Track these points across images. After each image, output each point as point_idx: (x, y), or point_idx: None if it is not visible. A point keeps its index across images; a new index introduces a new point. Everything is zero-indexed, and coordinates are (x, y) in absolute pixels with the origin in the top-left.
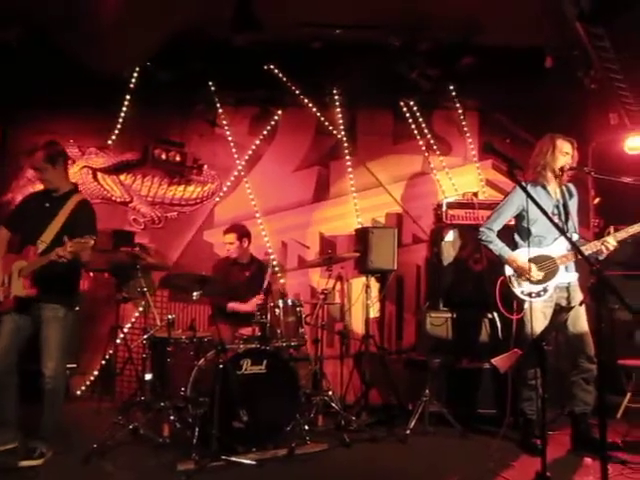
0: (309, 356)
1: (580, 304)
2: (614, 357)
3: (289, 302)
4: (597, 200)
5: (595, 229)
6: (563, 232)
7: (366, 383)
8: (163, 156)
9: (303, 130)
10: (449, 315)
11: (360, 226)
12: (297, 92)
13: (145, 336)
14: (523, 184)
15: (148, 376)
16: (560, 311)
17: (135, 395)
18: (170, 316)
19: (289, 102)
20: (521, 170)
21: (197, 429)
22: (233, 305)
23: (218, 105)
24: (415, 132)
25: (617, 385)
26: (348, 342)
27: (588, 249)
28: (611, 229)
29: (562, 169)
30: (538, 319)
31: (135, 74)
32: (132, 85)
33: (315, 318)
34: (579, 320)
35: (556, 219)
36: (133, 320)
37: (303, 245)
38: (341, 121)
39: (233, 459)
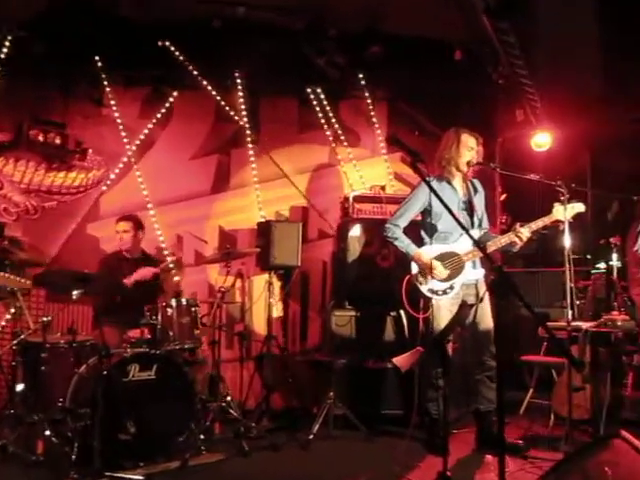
0: (205, 359)
1: (480, 300)
2: (518, 354)
3: (184, 301)
4: (504, 196)
5: (502, 226)
6: (464, 228)
7: (268, 387)
8: (40, 138)
9: (201, 115)
10: (354, 314)
11: (263, 220)
12: (195, 73)
13: (15, 341)
14: (427, 178)
15: (19, 386)
16: (462, 308)
17: (4, 408)
18: (45, 318)
19: (186, 83)
20: (424, 163)
21: (77, 444)
22: (130, 278)
23: (105, 83)
24: (322, 121)
25: (520, 381)
26: (249, 344)
27: (501, 241)
28: (517, 226)
29: (467, 164)
30: (444, 317)
31: (7, 43)
32: (3, 56)
33: (213, 318)
34: (484, 317)
35: (462, 215)
36: (3, 323)
37: (200, 239)
38: (243, 106)
39: (118, 475)
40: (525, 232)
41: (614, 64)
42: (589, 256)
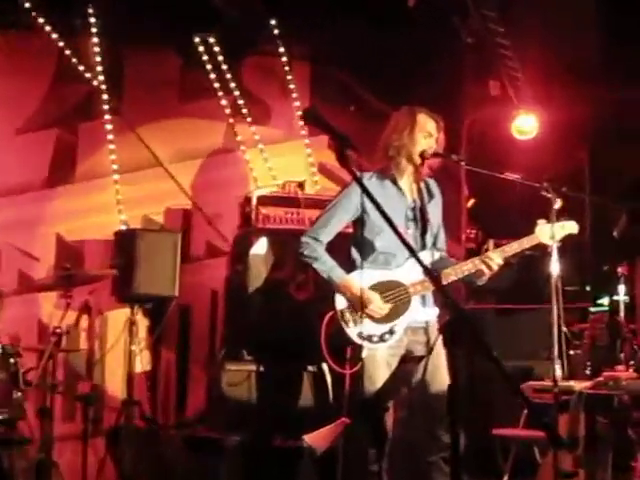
0: (28, 438)
1: (431, 351)
2: (488, 426)
3: None
4: (471, 202)
5: (469, 243)
6: (412, 250)
7: (125, 476)
8: None
9: (34, 68)
10: (255, 368)
11: (123, 227)
12: (26, 5)
13: None
14: (360, 175)
15: None
16: (407, 361)
17: None
18: None
19: (11, 20)
20: (358, 152)
21: None
22: None
23: None
24: (215, 86)
25: (492, 464)
26: (98, 412)
27: (463, 269)
28: (490, 244)
29: (422, 155)
30: (381, 374)
31: None
32: None
33: (43, 374)
34: (438, 374)
35: (410, 229)
36: None
37: (28, 255)
38: (99, 59)
39: None
40: (496, 258)
41: (616, 26)
42: (587, 288)
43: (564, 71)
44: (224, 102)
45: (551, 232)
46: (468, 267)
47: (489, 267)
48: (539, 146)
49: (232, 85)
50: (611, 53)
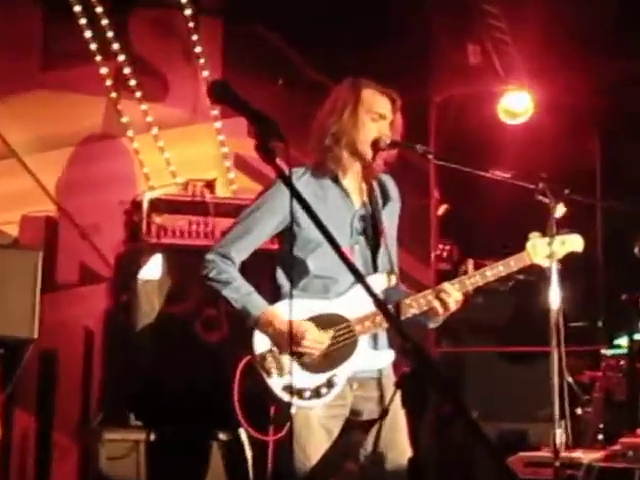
0: None
1: (385, 413)
2: None
3: None
4: (443, 209)
5: (441, 263)
6: (357, 272)
7: None
8: None
9: None
10: (145, 437)
11: None
12: None
13: None
14: (289, 171)
15: None
16: (355, 426)
17: None
18: None
19: None
20: (285, 142)
21: None
22: None
23: None
24: (92, 48)
25: None
26: None
27: (419, 302)
28: (469, 264)
29: (374, 145)
30: (318, 443)
31: None
32: None
33: None
34: (396, 444)
35: (358, 245)
36: None
37: None
38: None
39: None
40: (454, 292)
41: None
42: (599, 325)
43: (567, 37)
44: (104, 70)
45: (549, 249)
46: (417, 302)
47: (444, 305)
48: (534, 133)
49: (115, 47)
50: (628, 19)
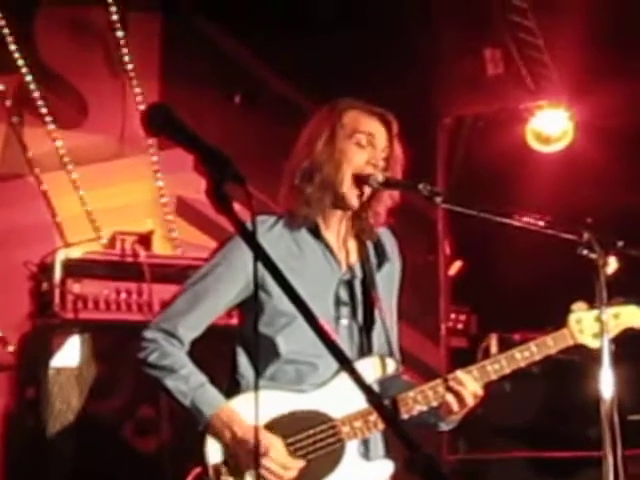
0: None
1: None
2: None
3: None
4: (457, 267)
5: (454, 338)
6: (343, 356)
7: None
8: None
9: None
10: None
11: None
12: None
13: None
14: (253, 223)
15: None
16: None
17: None
18: None
19: None
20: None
21: None
22: None
23: None
24: None
25: None
26: None
27: (418, 401)
28: (492, 340)
29: (358, 181)
30: None
31: None
32: None
33: None
34: None
35: (344, 319)
36: None
37: None
38: None
39: None
40: (470, 384)
41: None
42: None
43: (616, 39)
44: (1, 87)
45: (598, 325)
46: (423, 396)
47: (459, 400)
48: (574, 164)
49: (16, 56)
50: None
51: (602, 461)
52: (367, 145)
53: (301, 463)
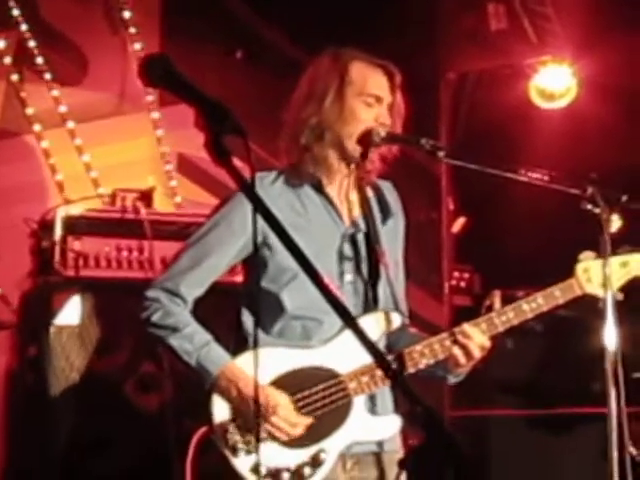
0: None
1: None
2: None
3: None
4: (460, 223)
5: (458, 296)
6: (347, 312)
7: None
8: None
9: None
10: None
11: None
12: None
13: None
14: (254, 177)
15: None
16: None
17: None
18: None
19: None
20: (244, 137)
21: None
22: None
23: None
24: None
25: None
26: None
27: (424, 354)
28: (495, 297)
29: (363, 140)
30: None
31: None
32: None
33: None
34: None
35: (348, 275)
36: None
37: None
38: None
39: None
40: (477, 334)
41: None
42: None
43: None
44: (0, 44)
45: (603, 274)
46: (432, 349)
47: (466, 352)
48: (578, 121)
49: (15, 13)
50: None
51: (606, 417)
52: (374, 104)
53: (308, 420)
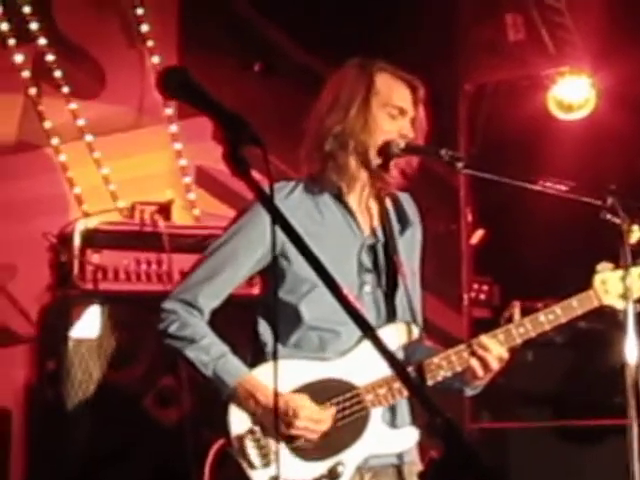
0: None
1: None
2: None
3: None
4: (479, 235)
5: (476, 308)
6: (366, 324)
7: None
8: None
9: None
10: None
11: None
12: None
13: None
14: (270, 190)
15: None
16: None
17: None
18: None
19: None
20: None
21: None
22: None
23: None
24: (2, 28)
25: None
26: None
27: (442, 367)
28: (515, 309)
29: (383, 151)
30: None
31: None
32: None
33: None
34: None
35: (367, 285)
36: None
37: None
38: None
39: None
40: (495, 345)
41: None
42: None
43: None
44: (19, 58)
45: (624, 286)
46: (450, 361)
47: (484, 364)
48: (597, 132)
49: (34, 27)
50: None
51: (627, 429)
52: (398, 117)
53: (331, 410)
